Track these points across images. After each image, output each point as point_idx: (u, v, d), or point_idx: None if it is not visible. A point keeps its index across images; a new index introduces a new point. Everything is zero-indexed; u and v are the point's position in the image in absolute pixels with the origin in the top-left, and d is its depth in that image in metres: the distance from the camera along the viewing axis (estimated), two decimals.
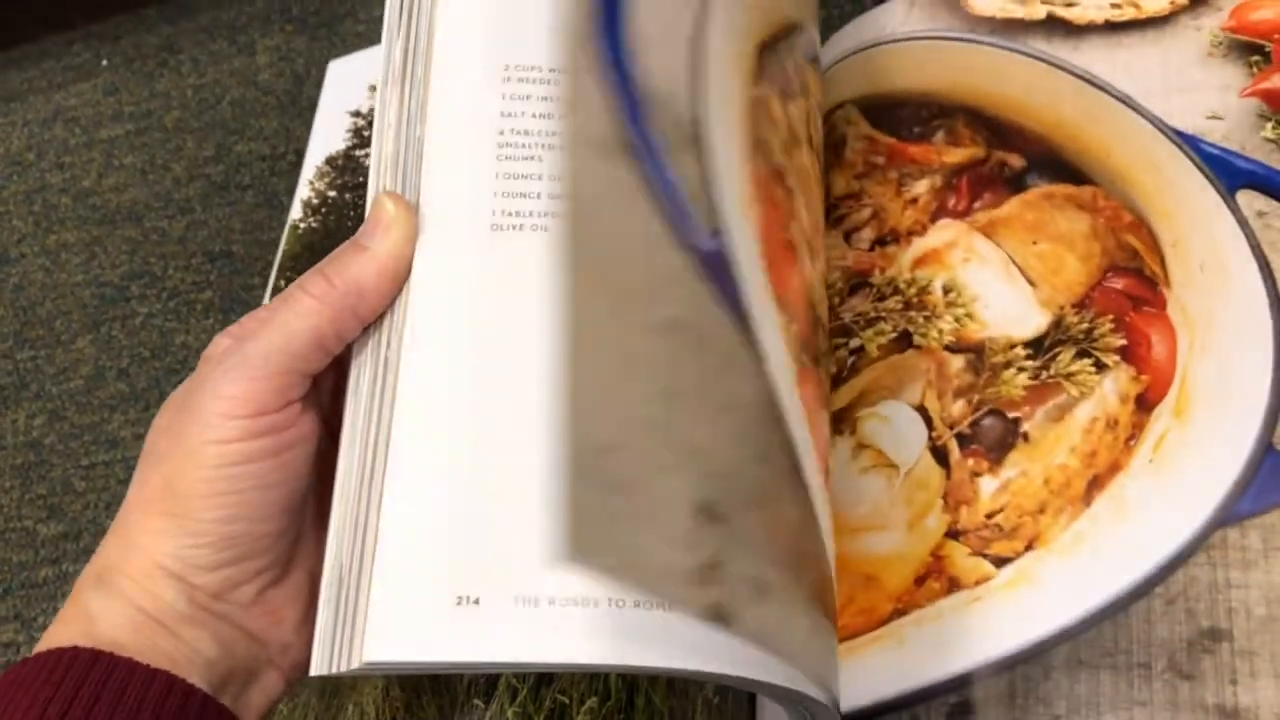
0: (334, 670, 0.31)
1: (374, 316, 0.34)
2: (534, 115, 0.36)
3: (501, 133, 0.35)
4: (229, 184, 0.69)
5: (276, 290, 0.60)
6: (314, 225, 0.61)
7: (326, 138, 0.65)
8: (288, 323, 0.33)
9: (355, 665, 0.30)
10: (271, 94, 0.71)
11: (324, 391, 0.36)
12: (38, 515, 0.61)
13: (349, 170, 0.62)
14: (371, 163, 0.36)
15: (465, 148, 0.35)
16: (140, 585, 0.33)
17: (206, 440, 0.32)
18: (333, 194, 0.62)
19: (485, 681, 0.45)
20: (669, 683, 0.43)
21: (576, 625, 0.31)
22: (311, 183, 0.62)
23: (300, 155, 0.67)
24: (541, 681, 0.44)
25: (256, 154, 0.69)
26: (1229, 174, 0.44)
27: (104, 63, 0.75)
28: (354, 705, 0.46)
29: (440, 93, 0.36)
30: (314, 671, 0.32)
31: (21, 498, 0.62)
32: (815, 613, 0.37)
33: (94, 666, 0.31)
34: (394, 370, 0.33)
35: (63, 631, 0.32)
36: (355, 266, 0.34)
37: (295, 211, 0.62)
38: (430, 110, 0.36)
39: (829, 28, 0.49)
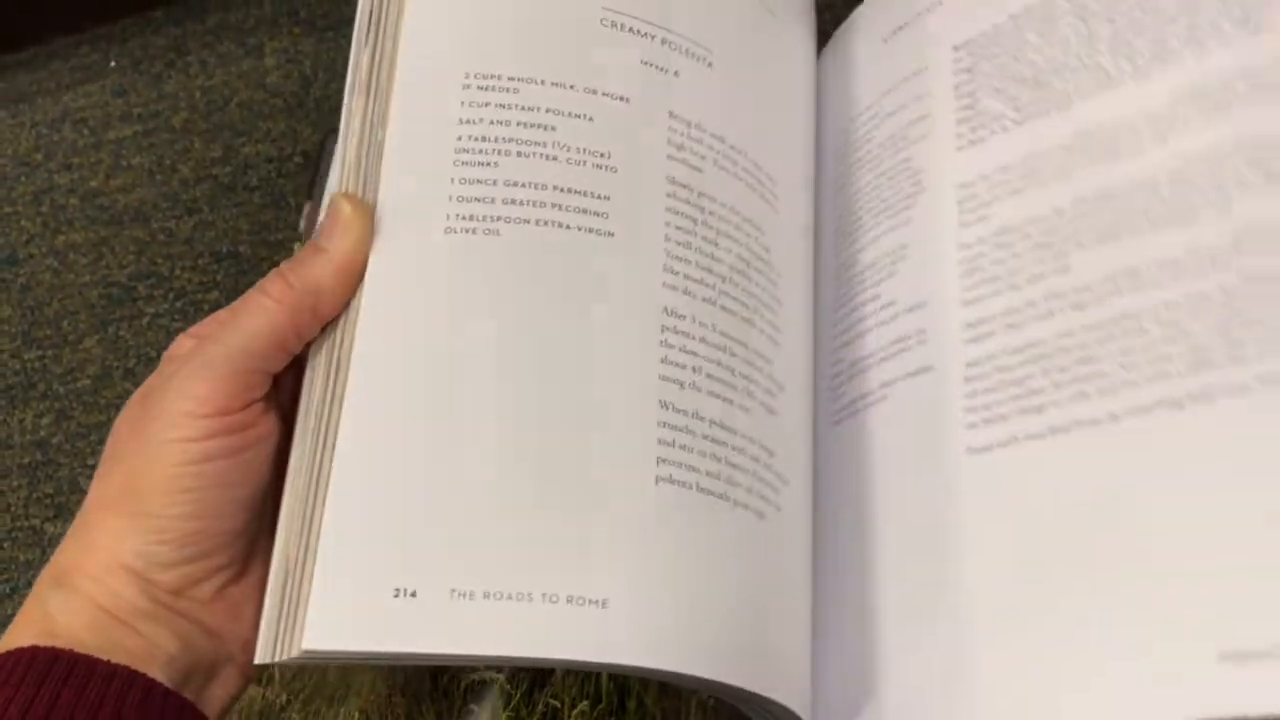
0: (276, 658, 0.32)
1: (332, 315, 0.35)
2: (492, 122, 0.36)
3: (460, 139, 0.36)
4: (236, 185, 0.69)
5: None
6: None
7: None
8: (248, 323, 0.34)
9: (295, 654, 0.31)
10: (279, 96, 0.72)
11: (284, 391, 0.36)
12: (45, 514, 0.62)
13: None
14: (335, 167, 0.37)
15: (423, 152, 0.36)
16: (100, 583, 0.33)
17: (169, 439, 0.33)
18: None
19: (481, 687, 0.45)
20: (661, 685, 0.43)
21: (512, 619, 0.31)
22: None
23: (308, 157, 0.67)
24: (534, 685, 0.44)
25: (264, 155, 0.70)
26: None
27: (112, 64, 0.75)
28: (360, 713, 0.46)
29: (401, 98, 0.37)
30: (258, 659, 0.33)
31: (29, 496, 0.62)
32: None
33: (54, 665, 0.31)
34: (344, 368, 0.34)
35: (21, 633, 0.33)
36: (313, 267, 0.34)
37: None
38: (391, 115, 0.36)
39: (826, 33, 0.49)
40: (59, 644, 0.32)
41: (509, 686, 0.44)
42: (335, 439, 0.33)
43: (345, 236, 0.34)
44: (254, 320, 0.34)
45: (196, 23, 0.75)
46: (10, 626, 0.33)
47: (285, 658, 0.32)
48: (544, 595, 0.32)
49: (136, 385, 0.65)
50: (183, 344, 0.36)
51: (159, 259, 0.68)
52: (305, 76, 0.72)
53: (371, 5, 0.38)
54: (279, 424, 0.36)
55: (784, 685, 0.35)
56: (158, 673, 0.33)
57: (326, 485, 0.33)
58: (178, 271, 0.67)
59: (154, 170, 0.71)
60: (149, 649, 0.33)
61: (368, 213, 0.35)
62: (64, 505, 0.62)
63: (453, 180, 0.36)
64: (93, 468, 0.63)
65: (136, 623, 0.33)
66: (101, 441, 0.63)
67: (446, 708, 0.45)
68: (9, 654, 0.32)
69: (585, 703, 0.42)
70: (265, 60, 0.73)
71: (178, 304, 0.66)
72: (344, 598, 0.31)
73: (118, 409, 0.65)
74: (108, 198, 0.70)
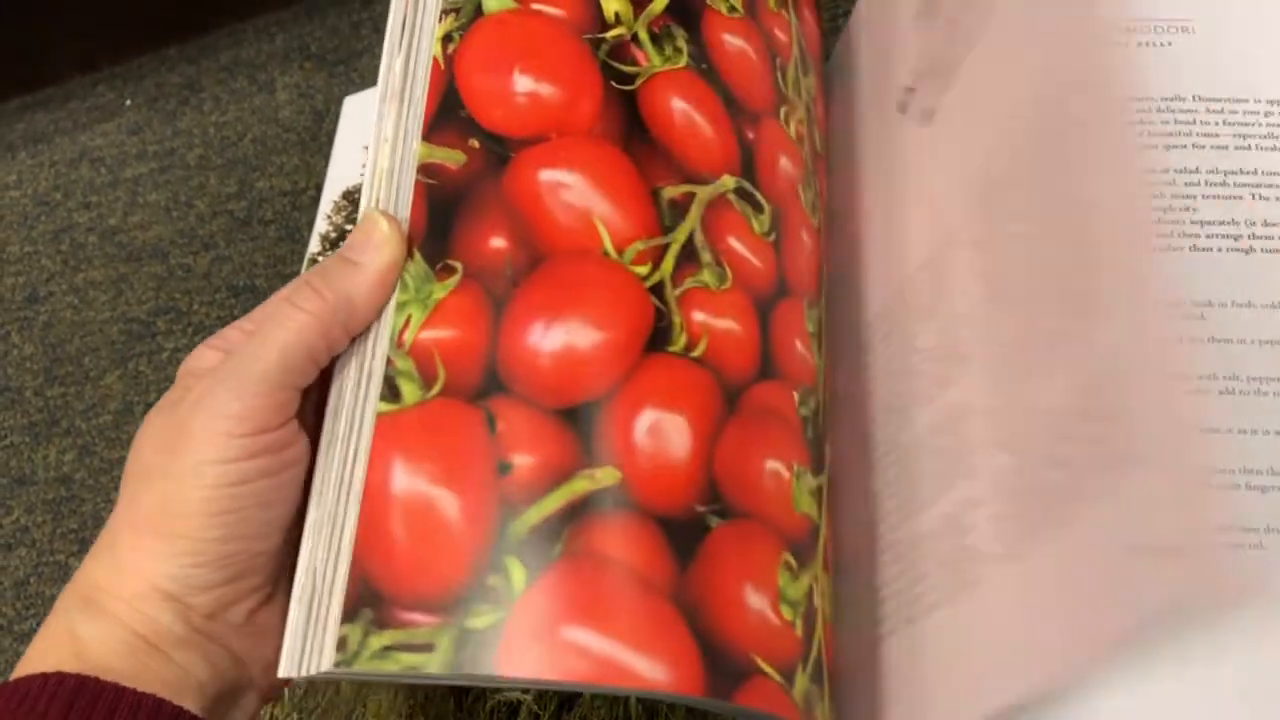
0: (302, 673, 0.31)
1: (362, 329, 0.35)
2: None
3: None
4: (251, 219, 0.70)
5: None
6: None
7: (343, 172, 0.66)
8: (280, 337, 0.33)
9: (323, 669, 0.30)
10: (292, 130, 0.73)
11: (309, 407, 0.36)
12: (69, 549, 0.62)
13: None
14: (366, 177, 0.37)
15: None
16: (133, 608, 0.32)
17: (207, 460, 0.32)
18: (349, 227, 0.63)
19: (507, 709, 0.45)
20: (689, 708, 0.43)
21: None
22: (329, 216, 0.63)
23: (321, 190, 0.68)
24: (562, 707, 0.44)
25: (278, 189, 0.71)
26: None
27: (127, 103, 0.76)
28: None
29: None
30: (282, 673, 0.32)
31: (54, 532, 0.63)
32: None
33: (80, 693, 0.30)
34: (376, 381, 0.33)
35: (47, 655, 0.32)
36: (346, 281, 0.34)
37: (313, 245, 0.63)
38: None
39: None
40: (87, 669, 0.31)
41: (536, 708, 0.44)
42: (367, 450, 0.32)
43: (380, 254, 0.34)
44: (286, 334, 0.33)
45: (210, 59, 0.76)
46: (33, 644, 0.32)
47: (312, 672, 0.31)
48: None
49: None
50: (204, 356, 0.35)
51: (177, 294, 0.68)
52: (317, 111, 0.73)
53: (405, 9, 0.37)
54: (309, 441, 0.35)
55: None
56: (189, 701, 0.32)
57: (358, 495, 0.32)
58: (196, 306, 0.68)
59: (170, 207, 0.71)
60: (181, 677, 0.32)
61: (401, 230, 0.35)
62: (88, 540, 0.62)
63: None
64: (116, 503, 0.63)
65: (170, 649, 0.32)
66: None
67: None
68: (34, 678, 0.31)
69: None
70: (277, 95, 0.74)
71: (196, 338, 0.67)
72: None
73: None
74: (126, 235, 0.71)
